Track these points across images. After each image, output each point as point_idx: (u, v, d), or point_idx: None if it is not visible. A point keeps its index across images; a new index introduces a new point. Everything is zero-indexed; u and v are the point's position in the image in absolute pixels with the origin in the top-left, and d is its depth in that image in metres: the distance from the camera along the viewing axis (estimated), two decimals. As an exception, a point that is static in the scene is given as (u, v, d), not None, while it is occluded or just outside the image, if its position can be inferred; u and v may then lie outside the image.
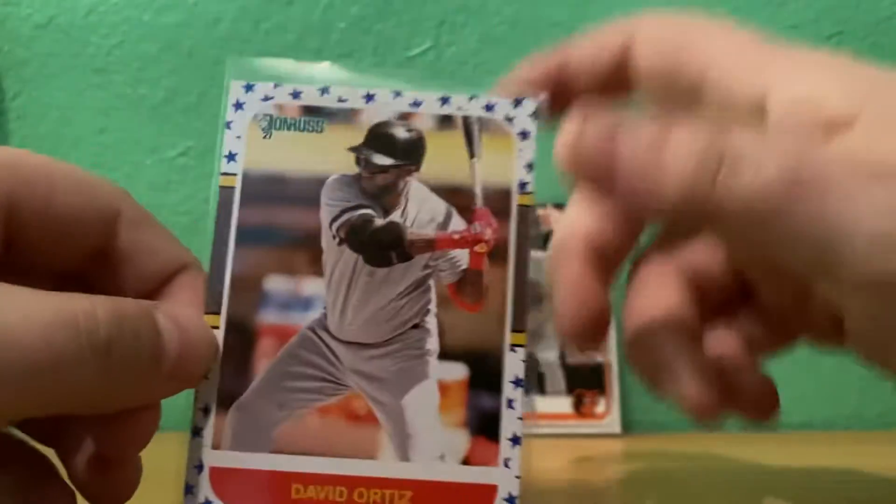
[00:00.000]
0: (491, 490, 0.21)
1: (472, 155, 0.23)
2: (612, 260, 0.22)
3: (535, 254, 0.47)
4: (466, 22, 0.47)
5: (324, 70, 0.23)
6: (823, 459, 0.35)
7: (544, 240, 0.43)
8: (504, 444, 0.21)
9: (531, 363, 0.22)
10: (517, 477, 0.21)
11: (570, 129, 0.18)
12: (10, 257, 0.19)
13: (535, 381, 0.24)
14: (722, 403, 0.21)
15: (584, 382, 0.42)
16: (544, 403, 0.42)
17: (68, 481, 0.21)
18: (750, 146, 0.16)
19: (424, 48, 0.48)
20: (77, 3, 0.48)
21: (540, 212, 0.44)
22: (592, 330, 0.22)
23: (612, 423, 0.42)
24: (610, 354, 0.42)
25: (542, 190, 0.22)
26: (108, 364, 0.18)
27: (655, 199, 0.17)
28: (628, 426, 0.43)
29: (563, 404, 0.42)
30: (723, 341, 0.23)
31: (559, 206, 0.44)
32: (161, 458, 0.21)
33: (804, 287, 0.20)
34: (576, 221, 0.23)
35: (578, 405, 0.42)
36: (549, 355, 0.42)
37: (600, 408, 0.42)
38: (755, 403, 0.22)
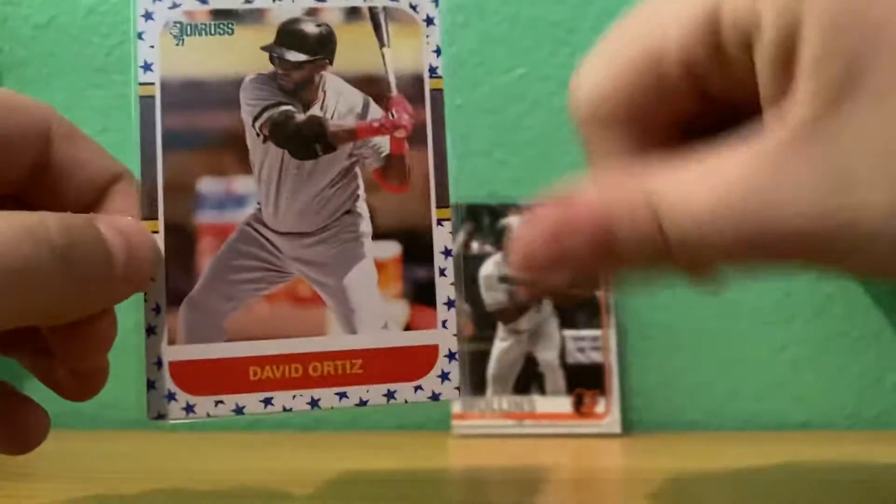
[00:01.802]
0: (433, 349, 0.23)
1: (381, 44, 0.24)
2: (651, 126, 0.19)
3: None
4: (466, 22, 0.46)
5: (227, -28, 0.24)
6: (823, 459, 0.35)
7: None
8: (440, 308, 0.23)
9: (455, 232, 0.24)
10: (454, 335, 0.23)
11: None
12: None
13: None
14: None
15: (584, 382, 0.42)
16: (544, 403, 0.42)
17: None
18: (670, 187, 0.16)
19: (423, 48, 0.48)
20: (77, 3, 0.48)
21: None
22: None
23: (612, 423, 0.41)
24: (610, 354, 0.43)
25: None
26: (67, 270, 0.18)
27: (622, 265, 0.17)
28: (628, 426, 0.43)
29: (563, 404, 0.42)
30: None
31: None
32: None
33: None
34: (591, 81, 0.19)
35: (578, 405, 0.42)
36: (548, 355, 0.42)
37: (600, 408, 0.42)
38: None
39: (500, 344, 0.42)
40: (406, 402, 0.23)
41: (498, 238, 0.43)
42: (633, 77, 0.18)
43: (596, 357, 0.43)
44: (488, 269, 0.42)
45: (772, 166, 0.15)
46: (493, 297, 0.42)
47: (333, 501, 0.27)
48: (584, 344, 0.43)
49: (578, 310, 0.43)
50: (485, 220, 0.43)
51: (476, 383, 0.41)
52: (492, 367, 0.42)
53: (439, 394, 0.23)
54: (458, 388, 0.23)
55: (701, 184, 0.16)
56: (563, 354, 0.42)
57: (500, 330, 0.43)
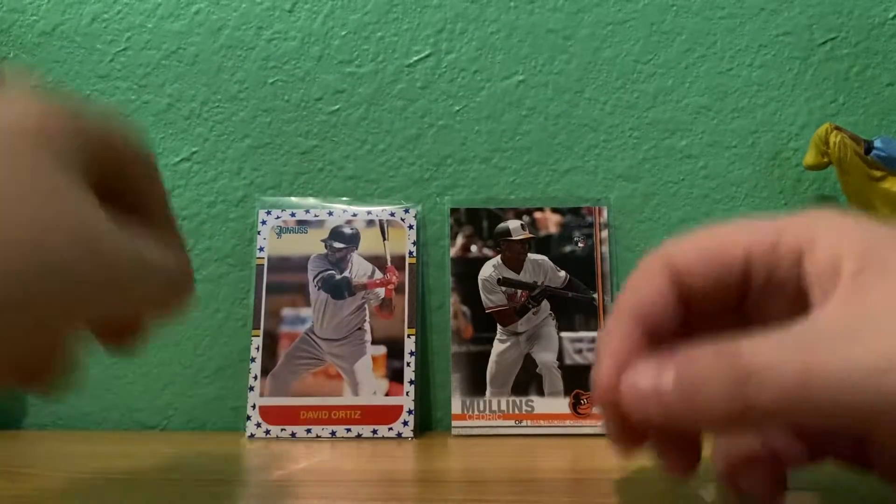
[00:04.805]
0: (400, 408, 0.42)
1: (384, 238, 0.44)
2: (658, 331, 0.24)
3: (535, 256, 0.48)
4: (465, 30, 0.48)
5: (306, 200, 0.45)
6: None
7: (536, 243, 0.45)
8: (406, 384, 0.42)
9: (419, 342, 0.43)
10: (413, 400, 0.42)
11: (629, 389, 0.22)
12: None
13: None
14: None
15: (582, 383, 0.43)
16: (543, 404, 0.42)
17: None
18: (763, 359, 0.19)
19: (424, 55, 0.48)
20: (82, 10, 0.49)
21: (537, 215, 0.46)
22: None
23: (610, 423, 0.43)
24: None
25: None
26: None
27: (706, 424, 0.21)
28: (625, 426, 0.42)
29: (562, 405, 0.42)
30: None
31: (556, 210, 0.46)
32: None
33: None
34: (634, 293, 0.24)
35: (576, 405, 0.43)
36: (547, 356, 0.43)
37: (598, 408, 0.43)
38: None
39: (499, 345, 0.43)
40: (383, 437, 0.41)
41: (497, 241, 0.45)
42: (709, 257, 0.24)
43: (593, 358, 0.43)
44: (487, 271, 0.44)
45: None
46: (491, 299, 0.44)
47: (335, 501, 0.28)
48: (581, 345, 0.44)
49: (576, 312, 0.44)
50: (484, 224, 0.45)
51: (475, 384, 0.43)
52: (491, 368, 0.43)
53: (401, 433, 0.41)
54: (413, 431, 0.41)
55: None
56: (561, 356, 0.43)
57: (499, 331, 0.43)
